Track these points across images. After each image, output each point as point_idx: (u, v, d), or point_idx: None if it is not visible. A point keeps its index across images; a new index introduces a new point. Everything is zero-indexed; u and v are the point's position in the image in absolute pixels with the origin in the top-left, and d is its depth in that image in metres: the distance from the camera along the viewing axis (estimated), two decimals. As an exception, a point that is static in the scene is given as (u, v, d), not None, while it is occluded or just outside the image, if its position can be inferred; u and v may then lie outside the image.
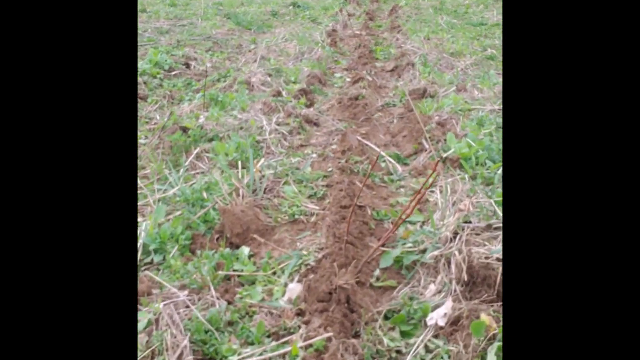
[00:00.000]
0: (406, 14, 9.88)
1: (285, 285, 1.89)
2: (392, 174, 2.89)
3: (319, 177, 2.77)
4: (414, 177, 2.77)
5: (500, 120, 3.69)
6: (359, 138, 3.21)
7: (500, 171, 2.75)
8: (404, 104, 4.15)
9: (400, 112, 4.04)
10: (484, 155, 2.79)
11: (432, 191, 2.54)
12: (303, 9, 11.20)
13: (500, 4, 10.35)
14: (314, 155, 3.07)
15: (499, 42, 6.82)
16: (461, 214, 2.08)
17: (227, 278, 1.96)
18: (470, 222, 2.02)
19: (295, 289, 1.83)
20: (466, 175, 2.67)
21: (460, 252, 1.84)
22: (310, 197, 2.56)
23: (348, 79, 5.12)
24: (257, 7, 11.17)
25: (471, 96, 4.40)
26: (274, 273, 1.98)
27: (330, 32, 7.48)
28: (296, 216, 2.37)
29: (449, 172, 2.71)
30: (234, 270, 1.98)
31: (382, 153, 3.07)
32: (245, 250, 2.08)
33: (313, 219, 2.36)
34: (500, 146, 3.04)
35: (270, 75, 5.31)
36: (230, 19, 9.08)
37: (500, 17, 8.88)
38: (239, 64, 5.85)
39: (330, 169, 2.83)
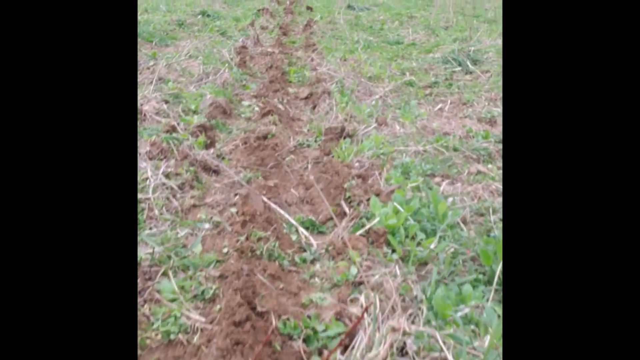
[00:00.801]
0: (321, 29, 9.46)
1: None
2: (305, 251, 2.33)
3: (210, 263, 2.14)
4: (332, 257, 2.23)
5: (427, 167, 3.27)
6: (265, 199, 2.62)
7: (432, 245, 2.29)
8: (320, 145, 3.63)
9: (315, 155, 3.51)
10: (414, 226, 2.31)
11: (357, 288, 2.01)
12: (213, 19, 10.42)
13: (413, 23, 10.27)
14: (207, 225, 2.44)
15: (416, 64, 6.55)
16: (394, 336, 1.55)
17: None
18: (407, 353, 1.50)
19: None
20: (394, 256, 2.17)
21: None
22: (195, 297, 1.93)
23: (257, 108, 4.52)
24: (161, 16, 10.21)
25: (393, 132, 3.97)
26: None
27: (239, 49, 6.84)
28: (172, 335, 1.73)
29: (372, 252, 2.19)
30: None
31: (293, 221, 2.51)
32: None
33: (196, 339, 1.72)
34: (431, 208, 2.59)
35: (167, 102, 4.58)
36: (127, 30, 8.13)
37: (415, 36, 8.71)
38: (131, 88, 5.04)
39: (226, 250, 2.21)
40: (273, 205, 2.58)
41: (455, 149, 3.65)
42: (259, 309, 1.83)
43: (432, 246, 2.27)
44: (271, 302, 1.89)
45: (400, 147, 3.62)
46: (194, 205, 2.71)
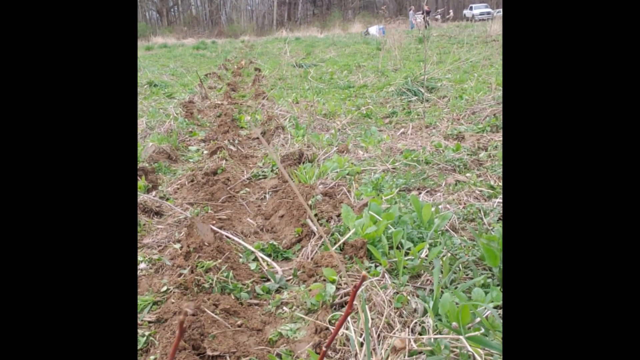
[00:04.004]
0: (270, 82, 9.32)
1: None
2: (267, 280, 1.85)
3: (146, 305, 1.63)
4: (302, 281, 1.76)
5: (400, 181, 2.90)
6: (214, 228, 2.15)
7: (423, 253, 1.86)
8: (277, 174, 3.22)
9: (273, 184, 3.09)
10: (398, 233, 1.89)
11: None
12: (160, 88, 10.16)
13: (362, 70, 10.31)
14: (143, 265, 1.94)
15: (371, 100, 6.36)
16: (396, 358, 1.09)
17: None
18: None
19: None
20: (380, 269, 1.72)
21: None
22: (123, 351, 1.42)
23: (206, 151, 4.11)
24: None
25: (357, 157, 3.62)
26: None
27: (186, 103, 6.50)
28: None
29: (352, 267, 1.74)
30: None
31: (251, 247, 2.04)
32: None
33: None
34: (414, 215, 2.18)
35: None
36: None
37: (366, 79, 8.65)
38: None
39: (165, 288, 1.72)
40: (225, 234, 2.12)
41: (427, 162, 3.31)
42: (209, 352, 1.33)
43: (422, 254, 1.85)
44: (226, 342, 1.39)
45: (367, 167, 3.25)
46: (129, 249, 2.20)
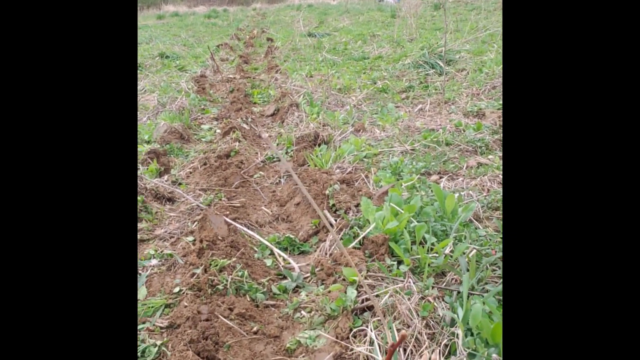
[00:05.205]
0: (283, 54, 9.11)
1: None
2: (284, 277, 1.78)
3: (158, 308, 1.57)
4: (320, 280, 1.68)
5: (420, 165, 2.78)
6: (228, 220, 2.07)
7: (447, 249, 1.77)
8: (293, 156, 3.12)
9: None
10: (421, 227, 1.79)
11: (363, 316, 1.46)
12: (172, 60, 10.01)
13: (377, 40, 10.03)
14: (155, 261, 1.88)
15: (387, 73, 6.16)
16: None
17: None
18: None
19: None
20: (403, 267, 1.63)
21: None
22: (141, 357, 1.36)
23: (219, 130, 4.01)
24: (117, 60, 9.75)
25: (373, 136, 3.50)
26: None
27: (198, 78, 6.37)
28: None
29: (373, 267, 1.65)
30: None
31: (266, 242, 1.96)
32: None
33: None
34: (436, 205, 2.08)
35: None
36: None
37: (381, 50, 8.41)
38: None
39: (177, 289, 1.65)
40: (239, 226, 2.04)
41: (447, 144, 3.18)
42: (224, 364, 1.26)
43: (447, 250, 1.75)
44: (242, 353, 1.33)
45: (384, 148, 3.13)
46: (141, 240, 2.14)
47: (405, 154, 3.05)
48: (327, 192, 2.20)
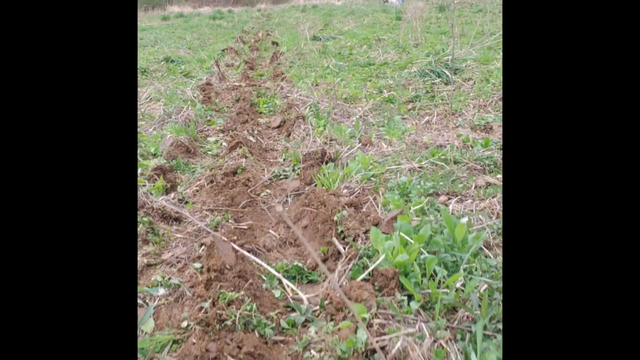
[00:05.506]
0: (289, 60, 9.09)
1: None
2: (293, 310, 1.77)
3: (165, 344, 1.56)
4: (329, 315, 1.66)
5: (428, 185, 2.76)
6: (236, 247, 2.06)
7: (458, 284, 1.75)
8: (299, 174, 3.10)
9: (295, 186, 2.98)
10: (431, 260, 1.77)
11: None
12: (177, 64, 10.01)
13: (382, 44, 10.00)
14: (162, 291, 1.87)
15: (393, 82, 6.14)
16: None
17: None
18: None
19: None
20: (413, 305, 1.62)
21: None
22: (144, 402, 1.35)
23: (225, 144, 4.00)
24: (122, 65, 9.74)
25: (380, 151, 3.48)
26: None
27: (203, 86, 6.37)
28: None
29: (382, 304, 1.63)
30: None
31: (273, 271, 1.95)
32: None
33: None
34: (446, 233, 2.06)
35: (122, 148, 4.03)
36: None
37: (387, 55, 8.39)
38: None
39: (185, 324, 1.64)
40: (247, 254, 2.02)
41: (455, 162, 3.16)
42: (233, 411, 1.25)
43: (458, 284, 1.73)
44: (251, 396, 1.31)
45: (392, 166, 3.12)
46: (148, 265, 2.14)
47: (413, 172, 3.03)
48: (335, 217, 2.18)
